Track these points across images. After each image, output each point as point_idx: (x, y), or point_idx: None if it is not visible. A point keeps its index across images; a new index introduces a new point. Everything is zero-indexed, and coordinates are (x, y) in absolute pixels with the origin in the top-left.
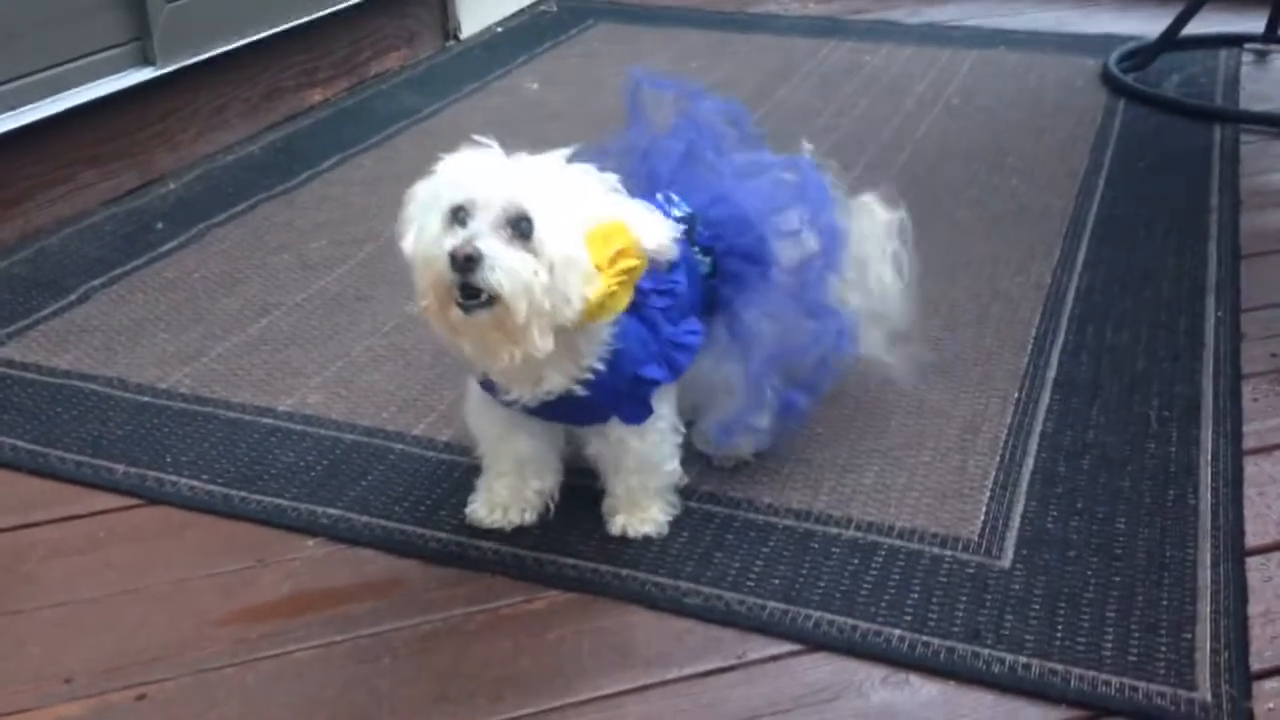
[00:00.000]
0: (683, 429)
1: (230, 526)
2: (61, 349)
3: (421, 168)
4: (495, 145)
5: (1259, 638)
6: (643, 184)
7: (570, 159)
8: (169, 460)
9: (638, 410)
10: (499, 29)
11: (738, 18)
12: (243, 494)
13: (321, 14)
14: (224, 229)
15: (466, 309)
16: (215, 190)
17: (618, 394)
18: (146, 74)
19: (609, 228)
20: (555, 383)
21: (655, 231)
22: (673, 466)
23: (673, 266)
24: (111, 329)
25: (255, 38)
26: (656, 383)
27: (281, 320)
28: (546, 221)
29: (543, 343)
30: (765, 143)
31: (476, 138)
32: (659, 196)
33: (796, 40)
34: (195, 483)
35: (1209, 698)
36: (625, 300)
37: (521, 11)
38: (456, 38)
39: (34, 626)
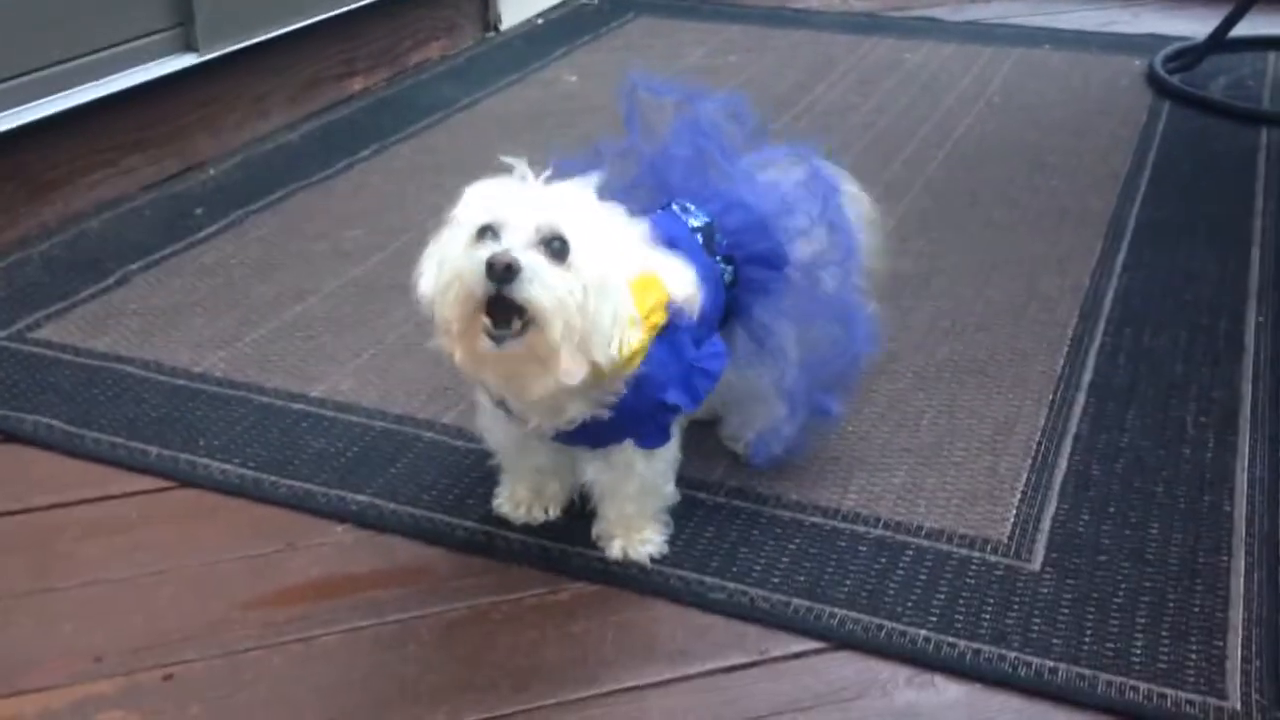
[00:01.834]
0: (680, 456)
1: (260, 510)
2: (99, 331)
3: (451, 160)
4: (523, 163)
5: None
6: (653, 194)
7: (568, 164)
8: (201, 444)
9: (656, 435)
10: (539, 20)
11: (778, 13)
12: (273, 478)
13: (362, 3)
14: (262, 216)
15: (498, 340)
16: (254, 177)
17: (638, 417)
18: (189, 60)
19: (647, 279)
20: (577, 411)
21: (683, 283)
22: (671, 489)
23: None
24: (148, 312)
25: (296, 26)
26: (678, 409)
27: (316, 307)
28: (582, 243)
29: (575, 369)
30: (767, 135)
31: (504, 158)
32: (674, 207)
33: (836, 36)
34: (227, 466)
35: (1239, 706)
36: (641, 358)
37: (563, 3)
38: (497, 29)
39: (66, 605)
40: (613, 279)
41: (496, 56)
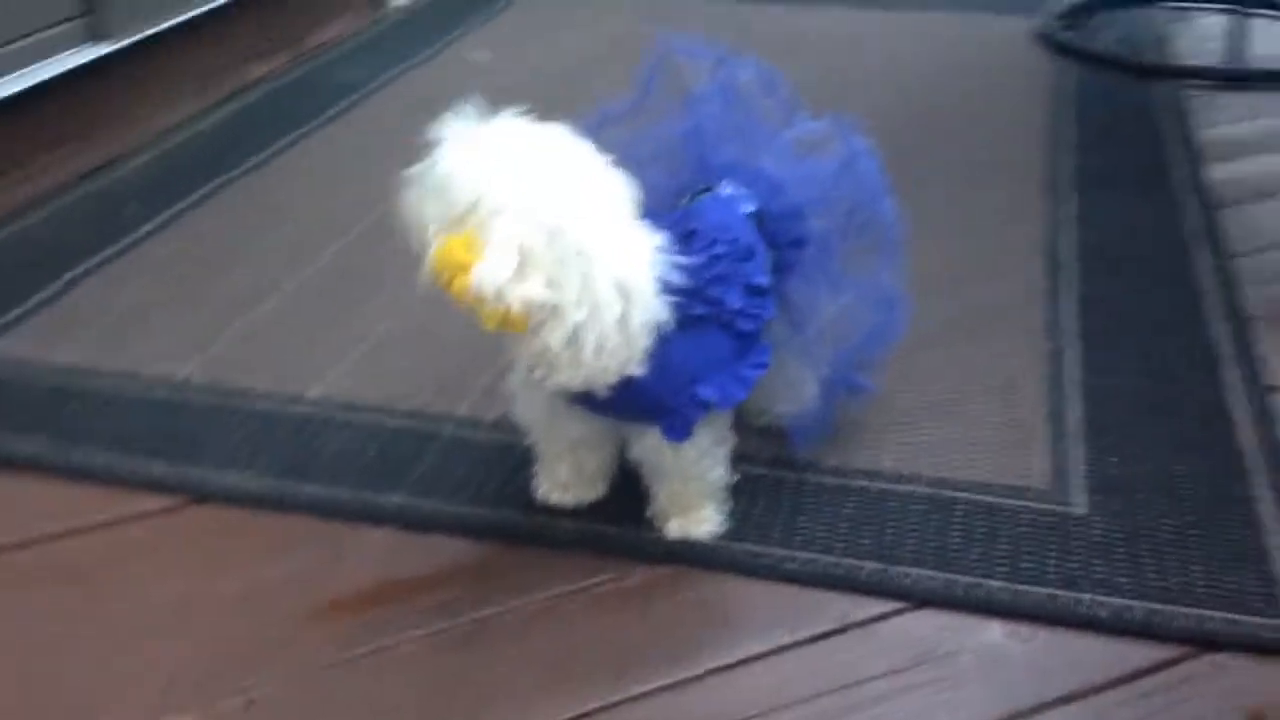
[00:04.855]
0: (733, 438)
1: (288, 521)
2: (59, 341)
3: (384, 142)
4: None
5: None
6: (691, 171)
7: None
8: (206, 455)
9: (679, 428)
10: None
11: None
12: (294, 485)
13: None
14: (200, 210)
15: None
16: (180, 169)
17: (663, 407)
18: (102, 49)
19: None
20: (564, 379)
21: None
22: (717, 475)
23: (764, 292)
24: (108, 318)
25: (201, 10)
26: (708, 405)
27: (287, 303)
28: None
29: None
30: (801, 108)
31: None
32: (726, 190)
33: (733, 6)
34: (239, 476)
35: None
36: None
37: None
38: (387, 7)
39: (114, 637)
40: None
41: (397, 34)
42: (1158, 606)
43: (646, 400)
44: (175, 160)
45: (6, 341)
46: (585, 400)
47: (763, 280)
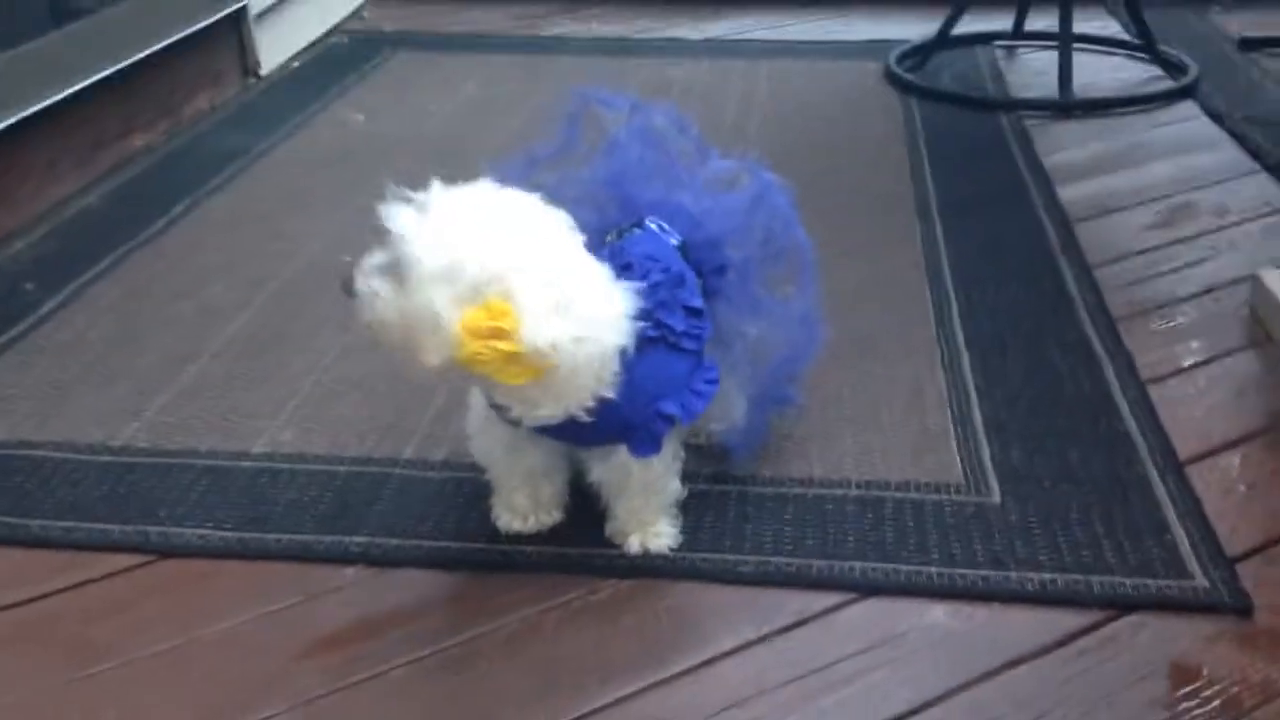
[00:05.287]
0: (683, 454)
1: (256, 568)
2: None
3: (278, 206)
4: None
5: (1222, 532)
6: (618, 210)
7: (506, 177)
8: (163, 514)
9: (648, 444)
10: (295, 64)
11: (533, 41)
12: (257, 535)
13: (132, 60)
14: (101, 285)
15: None
16: (72, 245)
17: (630, 426)
18: None
19: (499, 308)
20: (549, 412)
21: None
22: (673, 488)
23: (700, 313)
24: (28, 395)
25: (78, 87)
26: (672, 420)
27: (210, 368)
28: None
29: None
30: (711, 148)
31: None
32: (651, 225)
33: (600, 60)
34: (201, 531)
35: (1206, 584)
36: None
37: (313, 45)
38: (257, 75)
39: (107, 690)
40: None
41: (269, 101)
42: (1078, 577)
43: (616, 421)
44: (67, 237)
45: None
46: (556, 431)
47: (698, 303)
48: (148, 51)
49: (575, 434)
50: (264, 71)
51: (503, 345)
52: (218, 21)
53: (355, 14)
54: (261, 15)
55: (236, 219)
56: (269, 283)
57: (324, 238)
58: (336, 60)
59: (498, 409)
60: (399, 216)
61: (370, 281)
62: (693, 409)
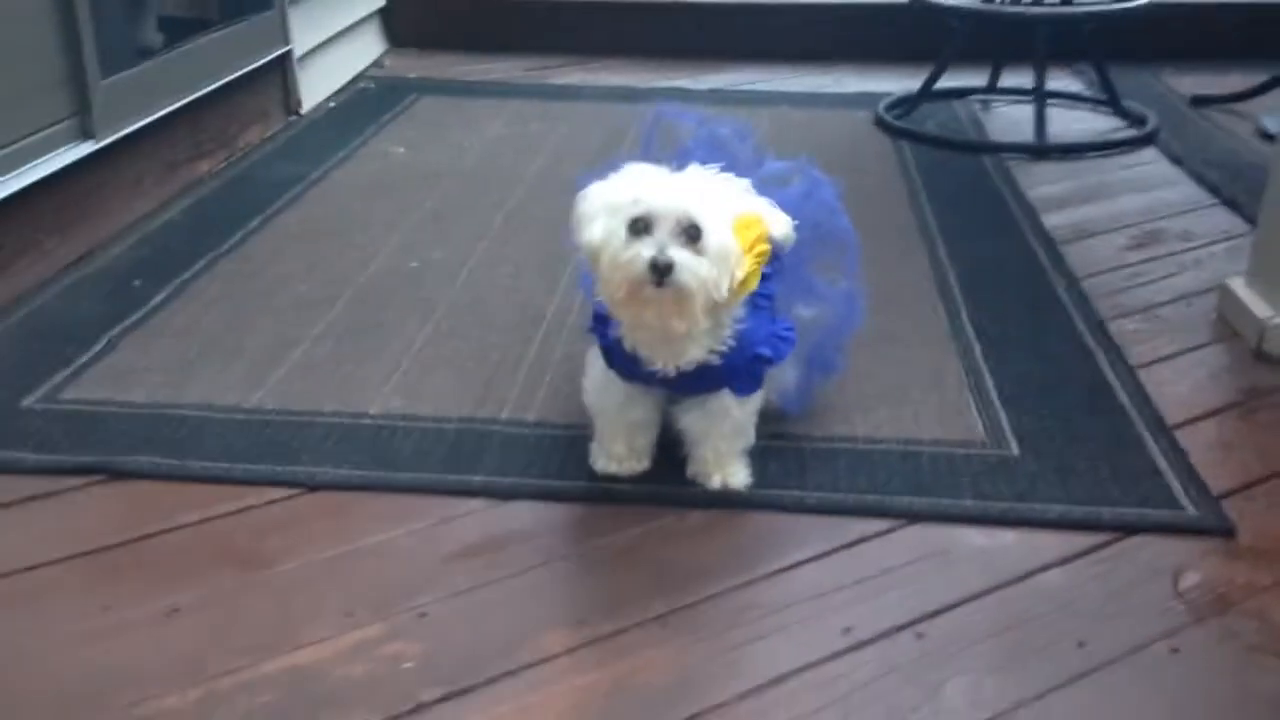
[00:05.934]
0: (760, 403)
1: (393, 499)
2: (125, 388)
3: (341, 223)
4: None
5: (1207, 478)
6: None
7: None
8: (305, 458)
9: (750, 384)
10: (331, 104)
11: (547, 88)
12: (390, 474)
13: (203, 91)
14: (200, 281)
15: (660, 284)
16: (166, 251)
17: (736, 369)
18: (88, 147)
19: (748, 219)
20: (694, 355)
21: (779, 223)
22: (751, 435)
23: (768, 278)
24: (159, 369)
25: (168, 110)
26: (770, 361)
27: (315, 349)
28: (710, 226)
29: (703, 318)
30: (769, 153)
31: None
32: None
33: (615, 105)
34: (342, 470)
35: (1197, 513)
36: (756, 280)
37: (345, 88)
38: (298, 113)
39: (290, 582)
40: (729, 244)
41: (313, 136)
42: (1091, 508)
43: (724, 367)
44: (158, 245)
45: (77, 389)
46: (673, 383)
47: (768, 270)
48: (212, 86)
49: (686, 384)
50: (304, 110)
51: (760, 248)
52: (267, 63)
53: (376, 62)
54: (302, 58)
55: (307, 232)
56: (350, 283)
57: (390, 248)
58: (368, 102)
59: (625, 363)
60: (662, 191)
61: (673, 254)
62: (781, 352)
